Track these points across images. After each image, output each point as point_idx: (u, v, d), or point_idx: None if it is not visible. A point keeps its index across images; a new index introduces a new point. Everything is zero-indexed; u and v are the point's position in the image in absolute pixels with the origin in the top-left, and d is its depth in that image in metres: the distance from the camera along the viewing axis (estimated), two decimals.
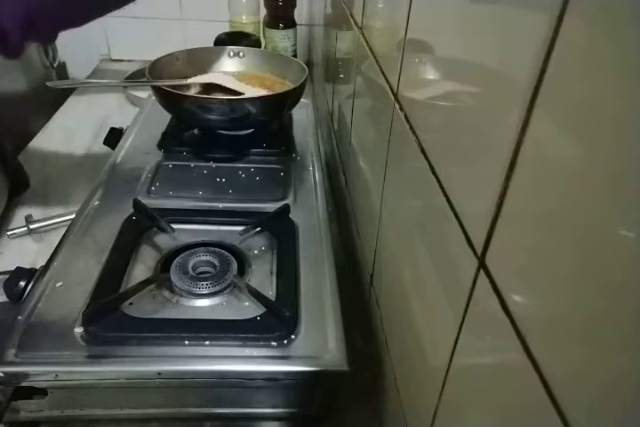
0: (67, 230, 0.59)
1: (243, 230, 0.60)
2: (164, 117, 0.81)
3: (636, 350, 0.17)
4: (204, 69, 0.83)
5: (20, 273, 0.52)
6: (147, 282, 0.51)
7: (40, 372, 0.44)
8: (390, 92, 0.46)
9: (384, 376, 0.51)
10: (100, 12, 0.62)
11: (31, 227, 0.72)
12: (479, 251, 0.28)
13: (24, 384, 0.44)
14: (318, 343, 0.47)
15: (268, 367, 0.45)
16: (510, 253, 0.25)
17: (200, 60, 0.85)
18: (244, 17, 1.17)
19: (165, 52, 0.81)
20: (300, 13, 1.22)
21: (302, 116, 0.90)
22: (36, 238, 0.72)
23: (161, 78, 0.76)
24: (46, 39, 0.58)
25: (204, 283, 0.51)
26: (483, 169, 0.28)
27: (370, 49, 0.56)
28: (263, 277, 0.54)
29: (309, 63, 1.30)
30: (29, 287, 0.51)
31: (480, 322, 0.28)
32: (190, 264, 0.54)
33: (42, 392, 0.46)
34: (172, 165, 0.73)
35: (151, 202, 0.63)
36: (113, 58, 1.34)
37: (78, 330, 0.46)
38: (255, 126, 0.78)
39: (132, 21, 1.20)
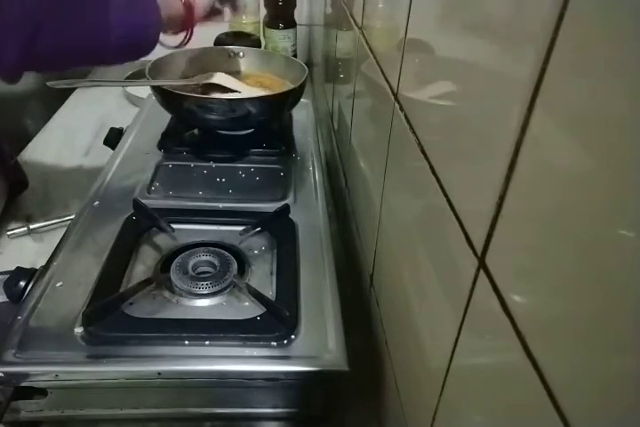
0: (67, 230, 0.60)
1: (243, 230, 0.60)
2: (164, 117, 0.81)
3: (635, 351, 0.17)
4: (204, 69, 0.83)
5: (20, 273, 0.52)
6: (147, 282, 0.51)
7: (40, 372, 0.44)
8: (390, 92, 0.46)
9: (384, 376, 0.51)
10: (69, 67, 0.61)
11: (31, 227, 0.72)
12: (479, 251, 0.28)
13: (24, 384, 0.44)
14: (318, 343, 0.47)
15: (268, 367, 0.45)
16: (510, 253, 0.25)
17: (200, 60, 0.85)
18: (243, 17, 1.17)
19: (165, 52, 0.81)
20: (300, 13, 1.22)
21: (302, 116, 0.90)
22: (35, 238, 0.72)
23: (161, 78, 0.76)
24: (7, 79, 0.57)
25: (204, 283, 0.51)
26: (483, 169, 0.28)
27: (370, 49, 0.56)
28: (263, 277, 0.54)
29: (309, 63, 1.30)
30: (29, 287, 0.51)
31: (480, 322, 0.28)
32: (190, 264, 0.54)
33: (42, 392, 0.46)
34: (172, 165, 0.73)
35: (151, 202, 0.63)
36: None
37: (78, 330, 0.46)
38: (255, 126, 0.78)
39: None
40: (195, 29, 0.71)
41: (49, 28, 0.54)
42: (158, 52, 0.80)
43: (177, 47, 0.73)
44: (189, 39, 0.72)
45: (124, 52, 0.62)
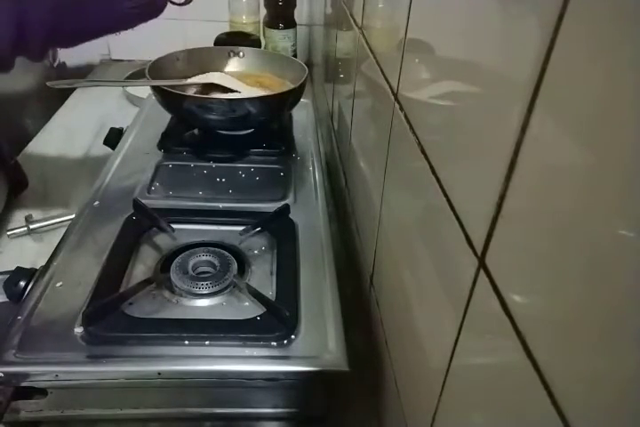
0: (67, 230, 0.60)
1: (243, 230, 0.60)
2: (164, 117, 0.81)
3: (636, 350, 0.17)
4: (204, 69, 0.83)
5: (20, 273, 0.52)
6: (147, 282, 0.51)
7: (40, 372, 0.44)
8: (390, 92, 0.46)
9: (384, 376, 0.51)
10: (91, 36, 0.64)
11: (31, 227, 0.72)
12: (479, 251, 0.28)
13: (24, 384, 0.44)
14: (318, 343, 0.47)
15: (267, 367, 0.45)
16: (510, 253, 0.25)
17: (200, 60, 0.85)
18: (244, 17, 1.17)
19: (165, 52, 0.81)
20: (300, 13, 1.22)
21: (302, 116, 0.90)
22: (35, 238, 0.72)
23: (161, 78, 0.76)
24: (35, 55, 0.59)
25: (204, 283, 0.51)
26: (483, 169, 0.28)
27: (370, 49, 0.56)
28: (263, 277, 0.54)
29: (309, 63, 1.30)
30: (29, 287, 0.51)
31: (480, 322, 0.28)
32: (190, 264, 0.54)
33: (42, 392, 0.46)
34: (172, 165, 0.73)
35: (151, 202, 0.63)
36: (113, 58, 1.34)
37: (78, 330, 0.46)
38: (255, 126, 0.78)
39: None
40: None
41: (69, 14, 0.57)
42: (157, 51, 0.80)
43: (182, 4, 0.73)
44: None
45: (139, 17, 0.64)
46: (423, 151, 0.37)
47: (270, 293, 0.52)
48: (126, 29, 0.66)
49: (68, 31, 0.60)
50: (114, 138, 0.82)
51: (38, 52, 0.59)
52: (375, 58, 0.54)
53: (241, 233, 0.60)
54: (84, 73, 1.27)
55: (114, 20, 0.63)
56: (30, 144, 0.96)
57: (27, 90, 1.05)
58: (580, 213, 0.19)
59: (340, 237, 0.77)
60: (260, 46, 1.12)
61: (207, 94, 0.77)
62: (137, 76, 1.07)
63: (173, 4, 0.69)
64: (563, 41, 0.20)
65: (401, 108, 0.43)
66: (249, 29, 1.17)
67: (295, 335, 0.47)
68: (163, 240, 0.59)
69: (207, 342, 0.46)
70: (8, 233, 0.72)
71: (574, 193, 0.20)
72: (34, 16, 0.54)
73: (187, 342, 0.46)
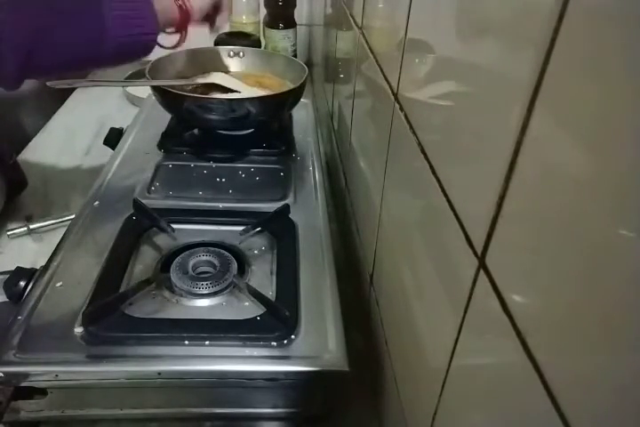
0: (67, 230, 0.59)
1: (243, 230, 0.60)
2: (164, 117, 0.81)
3: (636, 350, 0.17)
4: (203, 69, 0.83)
5: (20, 273, 0.52)
6: (147, 282, 0.51)
7: (40, 372, 0.44)
8: (390, 92, 0.46)
9: (384, 376, 0.51)
10: (70, 70, 0.63)
11: (31, 227, 0.72)
12: (479, 251, 0.28)
13: (24, 384, 0.44)
14: (318, 343, 0.47)
15: (268, 367, 0.45)
16: (510, 253, 0.25)
17: (200, 60, 0.85)
18: (243, 17, 1.17)
19: (165, 52, 0.81)
20: (300, 13, 1.22)
21: (302, 116, 0.90)
22: (35, 238, 0.72)
23: (161, 78, 0.76)
24: (9, 84, 0.57)
25: (204, 283, 0.51)
26: (483, 169, 0.28)
27: (370, 49, 0.56)
28: (263, 277, 0.54)
29: (309, 63, 1.30)
30: (29, 287, 0.51)
31: (480, 322, 0.28)
32: (190, 264, 0.54)
33: (42, 392, 0.46)
34: (172, 165, 0.73)
35: (151, 202, 0.63)
36: None
37: (78, 330, 0.46)
38: (255, 126, 0.78)
39: None
40: (189, 31, 0.72)
41: (45, 44, 0.55)
42: (155, 53, 0.80)
43: (172, 48, 0.74)
44: (184, 40, 0.73)
45: (121, 59, 0.63)
46: (423, 151, 0.37)
47: (270, 293, 0.52)
48: (110, 66, 0.65)
49: (45, 63, 0.57)
50: (114, 138, 0.82)
51: (10, 86, 0.57)
52: (375, 58, 0.54)
53: (241, 233, 0.60)
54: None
55: (93, 62, 0.61)
56: (30, 144, 0.96)
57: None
58: (579, 213, 0.19)
59: (340, 237, 0.77)
60: (260, 46, 1.12)
61: (207, 94, 0.77)
62: (137, 76, 1.07)
63: (162, 47, 0.69)
64: (563, 41, 0.20)
65: (401, 109, 0.43)
66: (249, 29, 1.17)
67: (295, 335, 0.47)
68: (163, 240, 0.59)
69: (207, 342, 0.46)
70: (8, 233, 0.72)
71: (574, 193, 0.20)
72: (8, 56, 0.53)
73: (187, 342, 0.46)
